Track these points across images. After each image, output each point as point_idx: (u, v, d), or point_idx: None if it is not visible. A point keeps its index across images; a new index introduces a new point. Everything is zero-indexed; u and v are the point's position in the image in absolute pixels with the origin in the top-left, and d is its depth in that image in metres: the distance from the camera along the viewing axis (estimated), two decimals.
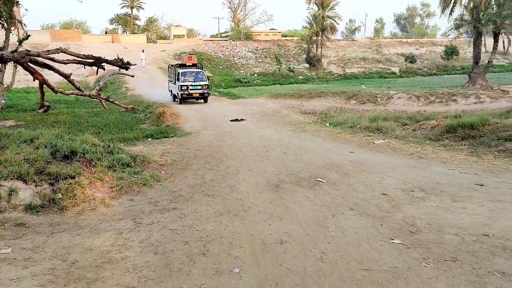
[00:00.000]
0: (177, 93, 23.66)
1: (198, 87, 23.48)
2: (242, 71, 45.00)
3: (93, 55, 9.66)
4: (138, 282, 4.29)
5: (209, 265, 4.64)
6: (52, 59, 9.11)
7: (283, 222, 5.89)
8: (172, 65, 26.70)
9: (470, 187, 7.11)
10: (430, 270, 4.35)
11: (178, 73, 23.75)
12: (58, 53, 9.07)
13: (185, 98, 23.41)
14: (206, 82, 23.99)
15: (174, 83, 24.33)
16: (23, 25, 20.68)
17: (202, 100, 24.06)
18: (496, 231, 5.18)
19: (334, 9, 46.37)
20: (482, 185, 7.18)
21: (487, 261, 4.47)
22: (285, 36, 64.14)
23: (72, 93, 10.12)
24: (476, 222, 5.56)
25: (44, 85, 9.54)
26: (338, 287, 4.14)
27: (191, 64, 25.69)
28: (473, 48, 32.13)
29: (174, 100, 24.62)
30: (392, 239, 5.16)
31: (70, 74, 9.57)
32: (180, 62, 26.15)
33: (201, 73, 24.64)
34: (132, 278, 4.36)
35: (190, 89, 23.29)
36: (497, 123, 11.10)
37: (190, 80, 23.53)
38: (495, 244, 4.83)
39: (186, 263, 4.69)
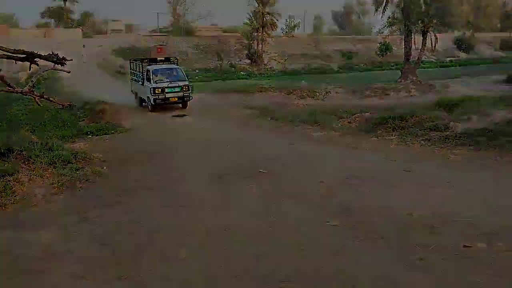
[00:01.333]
0: (148, 97, 18.11)
1: (177, 89, 17.94)
2: (183, 67, 44.49)
3: (24, 50, 9.31)
4: (85, 271, 4.37)
5: (157, 253, 4.79)
6: None
7: (227, 211, 6.13)
8: (135, 60, 21.33)
9: (399, 173, 7.73)
10: (361, 246, 4.79)
11: (148, 71, 18.13)
12: None
13: (160, 104, 17.87)
14: (186, 82, 18.50)
15: (142, 84, 18.76)
16: None
17: (180, 105, 18.64)
18: (419, 211, 5.75)
19: (273, 5, 47.09)
20: (409, 171, 7.83)
21: (410, 236, 4.98)
22: (226, 31, 64.14)
23: (1, 90, 9.71)
24: (402, 204, 6.11)
25: None
26: (280, 265, 4.46)
27: (163, 58, 20.02)
28: (404, 45, 33.99)
29: (141, 105, 19.48)
30: (328, 222, 5.57)
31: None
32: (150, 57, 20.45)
33: (178, 69, 19.23)
34: (78, 268, 4.44)
35: (167, 93, 17.66)
36: (423, 114, 12.01)
37: (166, 81, 17.93)
38: (418, 222, 5.38)
39: (134, 252, 4.82)
